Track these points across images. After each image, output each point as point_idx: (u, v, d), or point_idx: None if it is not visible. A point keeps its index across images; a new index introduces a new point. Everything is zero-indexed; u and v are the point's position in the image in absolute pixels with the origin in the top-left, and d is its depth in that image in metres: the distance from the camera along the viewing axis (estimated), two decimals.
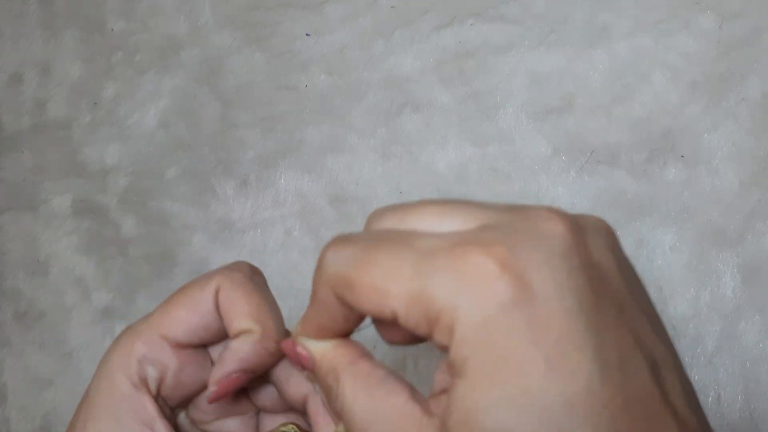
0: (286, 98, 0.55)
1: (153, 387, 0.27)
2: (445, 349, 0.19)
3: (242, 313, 0.26)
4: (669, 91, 0.49)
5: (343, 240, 0.22)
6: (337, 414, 0.22)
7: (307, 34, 0.55)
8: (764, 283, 0.46)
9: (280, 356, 0.27)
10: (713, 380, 0.46)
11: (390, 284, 0.20)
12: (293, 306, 0.52)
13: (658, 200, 0.48)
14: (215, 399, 0.26)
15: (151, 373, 0.26)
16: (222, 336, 0.28)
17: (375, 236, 0.21)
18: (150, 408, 0.26)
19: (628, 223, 0.48)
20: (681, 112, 0.49)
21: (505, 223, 0.20)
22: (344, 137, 0.54)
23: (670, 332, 0.47)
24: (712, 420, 0.45)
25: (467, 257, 0.18)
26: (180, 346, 0.27)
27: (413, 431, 0.20)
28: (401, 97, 0.53)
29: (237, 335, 0.26)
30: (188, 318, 0.26)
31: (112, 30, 0.59)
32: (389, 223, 0.22)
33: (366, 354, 0.24)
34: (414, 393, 0.21)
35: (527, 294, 0.18)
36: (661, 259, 0.47)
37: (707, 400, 0.46)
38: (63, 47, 0.60)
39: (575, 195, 0.49)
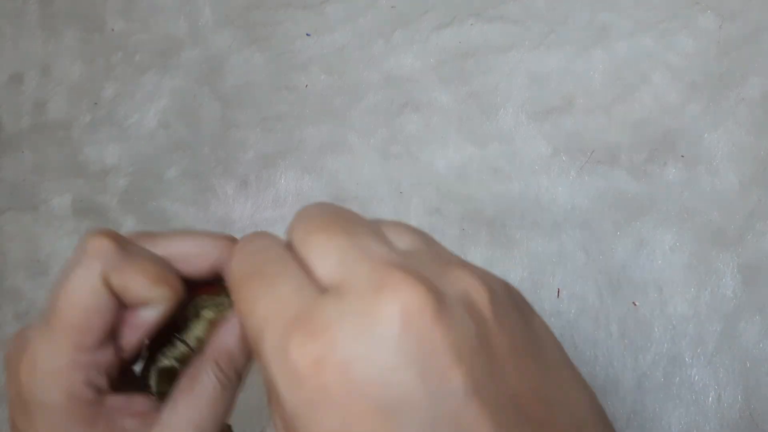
0: (286, 98, 0.55)
1: (105, 384, 0.26)
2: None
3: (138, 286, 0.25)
4: (669, 91, 0.49)
5: (248, 271, 0.22)
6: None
7: (307, 34, 0.55)
8: (764, 283, 0.46)
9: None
10: (713, 380, 0.46)
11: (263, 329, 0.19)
12: None
13: (658, 200, 0.48)
14: None
15: (100, 379, 0.26)
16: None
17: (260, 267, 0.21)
18: (109, 402, 0.26)
19: (628, 223, 0.48)
20: (681, 112, 0.49)
21: (348, 298, 0.18)
22: (344, 137, 0.54)
23: (671, 332, 0.47)
24: (712, 420, 0.45)
25: (293, 337, 0.18)
26: (98, 347, 0.26)
27: None
28: (401, 97, 0.53)
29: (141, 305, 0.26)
30: (88, 325, 0.25)
31: (112, 30, 0.59)
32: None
33: None
34: None
35: (319, 382, 0.17)
36: (661, 259, 0.47)
37: (707, 400, 0.46)
38: (63, 47, 0.60)
39: (575, 195, 0.49)
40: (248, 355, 0.27)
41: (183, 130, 0.57)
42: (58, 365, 0.24)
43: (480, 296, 0.18)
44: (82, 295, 0.25)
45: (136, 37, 0.58)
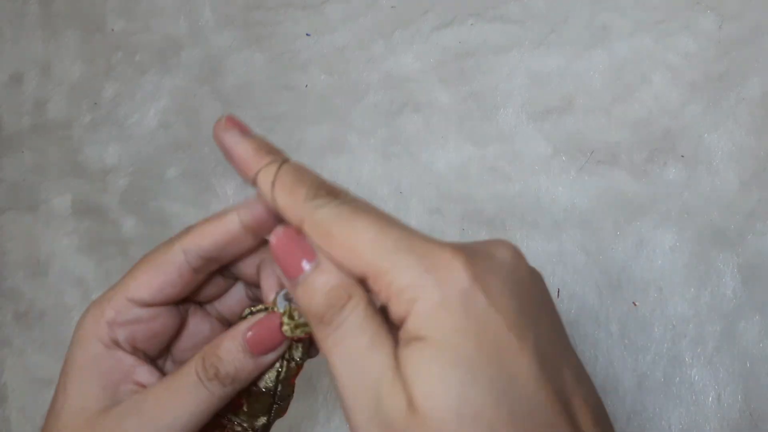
0: (286, 98, 0.55)
1: (126, 345, 0.29)
2: (398, 320, 0.22)
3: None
4: (669, 91, 0.49)
5: (335, 192, 0.26)
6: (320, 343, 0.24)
7: (307, 34, 0.55)
8: (764, 283, 0.46)
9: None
10: (713, 380, 0.46)
11: (368, 251, 0.23)
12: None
13: (658, 200, 0.48)
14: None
15: (122, 333, 0.29)
16: (189, 289, 0.30)
17: (366, 204, 0.25)
18: (126, 361, 0.29)
19: (628, 223, 0.48)
20: (681, 112, 0.49)
21: (468, 244, 0.24)
22: (344, 137, 0.54)
23: (671, 332, 0.47)
24: (712, 420, 0.45)
25: (440, 253, 0.22)
26: (147, 305, 0.29)
27: (387, 388, 0.22)
28: (401, 97, 0.53)
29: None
30: (150, 280, 0.29)
31: (112, 30, 0.59)
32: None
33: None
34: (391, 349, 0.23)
35: (482, 288, 0.22)
36: (661, 259, 0.47)
37: (707, 400, 0.46)
38: (63, 47, 0.60)
39: (575, 195, 0.49)
40: (242, 366, 0.28)
41: (183, 130, 0.57)
42: (104, 314, 0.29)
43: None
44: (160, 258, 0.29)
45: (136, 37, 0.58)
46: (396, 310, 0.22)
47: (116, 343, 0.29)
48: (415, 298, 0.22)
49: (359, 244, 0.23)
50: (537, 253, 0.49)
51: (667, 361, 0.46)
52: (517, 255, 0.24)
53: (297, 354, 0.29)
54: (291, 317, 0.28)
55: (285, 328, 0.28)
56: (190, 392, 0.27)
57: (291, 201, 0.26)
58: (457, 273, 0.22)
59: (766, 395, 0.45)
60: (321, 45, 0.55)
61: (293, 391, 0.31)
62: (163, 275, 0.29)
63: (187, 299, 0.32)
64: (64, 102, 0.59)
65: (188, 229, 0.29)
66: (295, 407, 0.51)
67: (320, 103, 0.54)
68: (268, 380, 0.30)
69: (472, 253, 0.22)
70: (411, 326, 0.22)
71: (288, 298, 0.29)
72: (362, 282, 0.23)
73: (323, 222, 0.24)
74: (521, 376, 0.21)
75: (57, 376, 0.56)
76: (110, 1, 0.59)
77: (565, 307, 0.48)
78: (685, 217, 0.48)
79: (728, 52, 0.48)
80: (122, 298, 0.29)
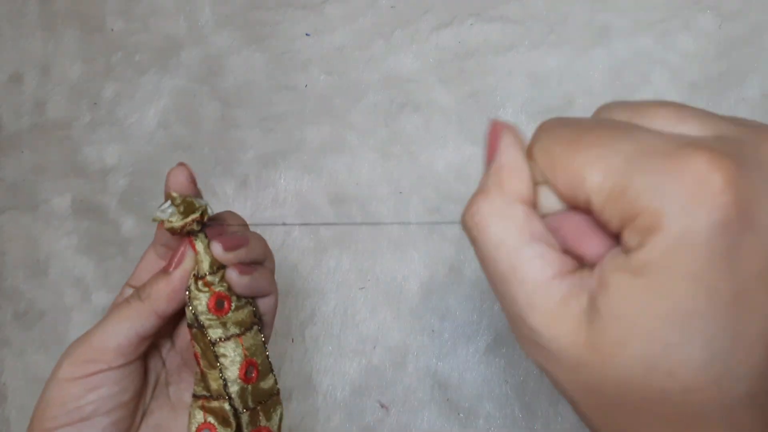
0: (286, 98, 0.55)
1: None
2: (628, 249, 0.18)
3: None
4: (669, 91, 0.49)
5: (560, 120, 0.21)
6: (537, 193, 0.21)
7: (307, 34, 0.55)
8: None
9: None
10: None
11: (592, 172, 0.18)
12: (293, 306, 0.52)
13: None
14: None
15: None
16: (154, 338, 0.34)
17: (594, 122, 0.20)
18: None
19: None
20: None
21: (744, 140, 0.17)
22: (344, 137, 0.54)
23: None
24: None
25: (692, 163, 0.16)
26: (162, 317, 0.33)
27: (545, 310, 0.19)
28: (401, 97, 0.53)
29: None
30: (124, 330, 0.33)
31: (112, 30, 0.59)
32: (618, 115, 0.20)
33: (527, 203, 0.21)
34: (563, 266, 0.20)
35: (744, 222, 0.16)
36: None
37: None
38: (63, 47, 0.60)
39: None
40: (155, 280, 0.33)
41: (183, 130, 0.57)
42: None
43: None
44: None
45: (136, 37, 0.58)
46: (628, 242, 0.18)
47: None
48: (653, 228, 0.17)
49: (579, 167, 0.19)
50: None
51: None
52: None
53: (203, 269, 0.33)
54: (178, 213, 0.33)
55: (166, 225, 0.32)
56: (119, 312, 0.32)
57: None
58: (713, 196, 0.16)
59: None
60: (321, 45, 0.55)
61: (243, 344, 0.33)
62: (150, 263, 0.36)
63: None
64: (64, 102, 0.59)
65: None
66: (295, 407, 0.51)
67: (320, 103, 0.54)
68: (189, 317, 0.33)
69: (742, 163, 0.17)
70: (635, 257, 0.17)
71: (165, 211, 0.33)
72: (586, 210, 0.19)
73: (546, 150, 0.20)
74: (750, 336, 0.17)
75: None
76: (110, 1, 0.59)
77: None
78: None
79: (728, 52, 0.48)
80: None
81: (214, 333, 0.32)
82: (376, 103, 0.53)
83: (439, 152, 0.52)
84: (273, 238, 0.53)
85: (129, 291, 0.36)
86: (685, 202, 0.16)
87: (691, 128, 0.18)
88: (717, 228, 0.16)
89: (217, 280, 0.32)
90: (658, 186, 0.17)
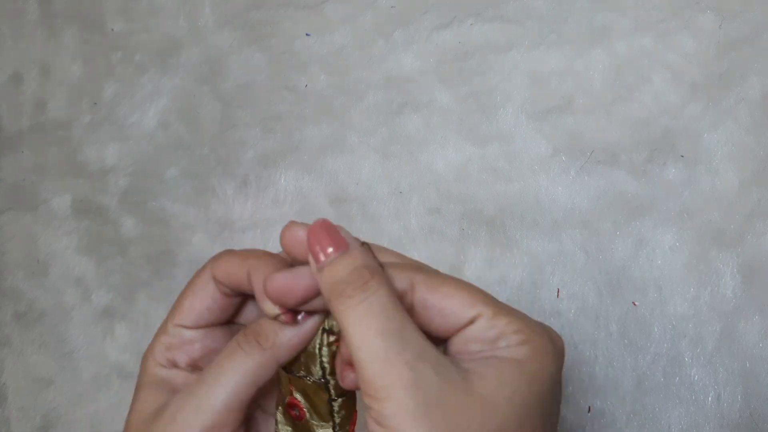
0: (286, 98, 0.55)
1: (184, 365, 0.32)
2: (492, 341, 0.27)
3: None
4: (669, 91, 0.49)
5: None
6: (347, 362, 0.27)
7: (307, 34, 0.55)
8: (764, 283, 0.46)
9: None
10: (713, 380, 0.46)
11: (484, 301, 0.27)
12: None
13: (658, 200, 0.48)
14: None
15: (180, 356, 0.31)
16: (227, 312, 0.32)
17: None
18: (181, 376, 0.31)
19: (628, 223, 0.48)
20: (681, 112, 0.49)
21: (540, 331, 0.29)
22: (344, 137, 0.54)
23: (670, 332, 0.47)
24: (712, 420, 0.45)
25: (540, 331, 0.28)
26: (194, 328, 0.32)
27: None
28: (401, 97, 0.53)
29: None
30: (191, 307, 0.31)
31: (112, 30, 0.59)
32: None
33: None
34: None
35: (557, 385, 0.29)
36: (661, 259, 0.47)
37: (707, 400, 0.46)
38: (63, 47, 0.60)
39: (575, 195, 0.49)
40: (280, 328, 0.29)
41: (183, 130, 0.57)
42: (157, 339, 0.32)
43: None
44: (197, 286, 0.31)
45: (136, 37, 0.58)
46: (492, 336, 0.26)
47: (174, 364, 0.32)
48: (525, 342, 0.26)
49: (475, 294, 0.27)
50: (537, 253, 0.49)
51: (666, 361, 0.46)
52: (558, 355, 0.28)
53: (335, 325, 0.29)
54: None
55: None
56: (233, 362, 0.28)
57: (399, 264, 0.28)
58: (551, 359, 0.27)
59: (766, 395, 0.45)
60: (321, 45, 0.55)
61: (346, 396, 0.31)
62: (199, 302, 0.31)
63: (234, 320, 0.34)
64: (64, 102, 0.59)
65: (219, 256, 0.31)
66: None
67: (320, 103, 0.54)
68: (315, 355, 0.30)
69: (555, 347, 0.28)
70: (509, 352, 0.26)
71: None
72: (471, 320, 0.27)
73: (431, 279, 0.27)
74: None
75: (57, 376, 0.56)
76: (110, 1, 0.59)
77: (564, 307, 0.48)
78: (684, 217, 0.48)
79: (728, 52, 0.48)
80: (172, 326, 0.32)
81: (335, 391, 0.30)
82: (376, 103, 0.53)
83: (439, 152, 0.52)
84: (274, 238, 0.53)
85: (177, 331, 0.32)
86: (540, 350, 0.28)
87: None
88: (550, 380, 0.28)
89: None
90: (529, 327, 0.28)
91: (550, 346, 0.27)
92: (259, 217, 0.54)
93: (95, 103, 0.58)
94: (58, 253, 0.57)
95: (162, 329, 0.32)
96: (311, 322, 0.29)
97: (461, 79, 0.52)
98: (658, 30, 0.49)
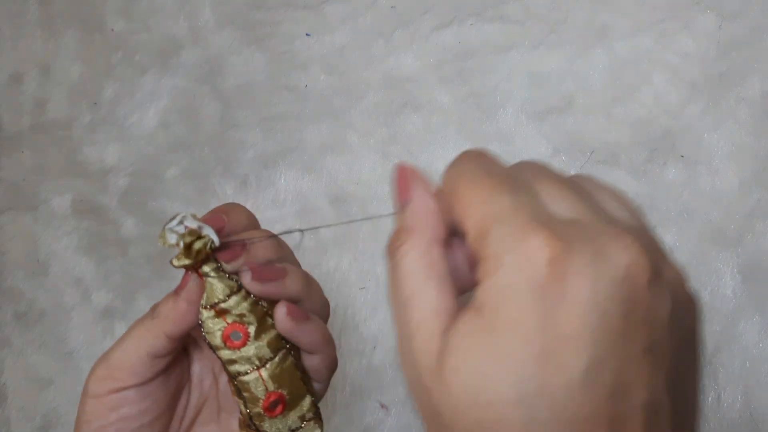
0: (286, 98, 0.55)
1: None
2: (475, 287, 0.22)
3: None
4: (669, 91, 0.49)
5: (473, 157, 0.25)
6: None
7: (307, 34, 0.55)
8: (764, 283, 0.46)
9: None
10: (713, 380, 0.46)
11: (471, 212, 0.23)
12: None
13: (658, 200, 0.48)
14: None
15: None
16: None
17: (497, 170, 0.24)
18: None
19: None
20: (681, 112, 0.49)
21: (591, 229, 0.22)
22: (344, 137, 0.54)
23: None
24: (712, 420, 0.45)
25: (534, 236, 0.21)
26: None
27: (423, 336, 0.23)
28: (401, 97, 0.53)
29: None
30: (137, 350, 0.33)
31: (112, 30, 0.59)
32: (526, 174, 0.24)
33: (441, 245, 0.25)
34: (450, 307, 0.23)
35: (559, 293, 0.20)
36: None
37: (707, 400, 0.46)
38: (63, 47, 0.60)
39: None
40: (165, 301, 0.32)
41: (183, 130, 0.57)
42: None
43: (641, 275, 0.21)
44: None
45: (136, 37, 0.58)
46: (476, 276, 0.22)
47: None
48: (491, 272, 0.21)
49: (472, 204, 0.23)
50: None
51: None
52: (635, 266, 0.21)
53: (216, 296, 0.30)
54: (186, 246, 0.29)
55: (175, 263, 0.30)
56: (133, 330, 0.32)
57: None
58: (538, 263, 0.20)
59: (766, 395, 0.45)
60: (321, 45, 0.55)
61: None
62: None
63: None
64: (64, 102, 0.59)
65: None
66: None
67: (320, 103, 0.54)
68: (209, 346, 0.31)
69: (572, 248, 0.20)
70: (477, 294, 0.21)
71: (176, 232, 0.30)
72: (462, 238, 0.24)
73: (452, 180, 0.25)
74: (554, 387, 0.20)
75: (57, 376, 0.56)
76: (110, 1, 0.59)
77: None
78: (684, 217, 0.48)
79: (728, 52, 0.48)
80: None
81: (233, 368, 0.30)
82: (376, 103, 0.53)
83: (439, 152, 0.52)
84: None
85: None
86: (518, 262, 0.21)
87: (561, 206, 0.23)
88: (535, 291, 0.20)
89: (232, 306, 0.30)
90: (507, 241, 0.21)
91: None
92: (259, 217, 0.54)
93: (95, 103, 0.58)
94: (58, 253, 0.57)
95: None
96: (184, 293, 0.31)
97: (461, 79, 0.52)
98: (658, 30, 0.49)
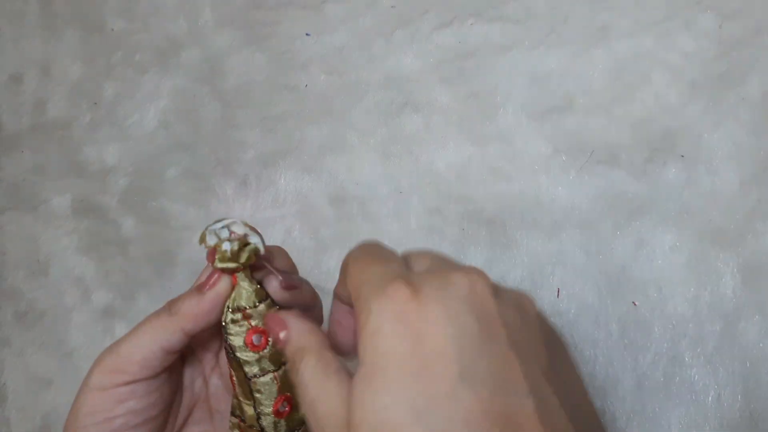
0: (286, 98, 0.55)
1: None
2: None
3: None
4: (669, 91, 0.49)
5: (365, 247, 0.30)
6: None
7: (307, 34, 0.55)
8: (764, 283, 0.46)
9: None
10: (713, 380, 0.46)
11: (350, 280, 0.27)
12: None
13: (658, 200, 0.48)
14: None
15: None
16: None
17: (377, 252, 0.29)
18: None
19: (628, 223, 0.48)
20: (681, 112, 0.49)
21: (440, 270, 0.26)
22: (344, 137, 0.54)
23: (670, 332, 0.47)
24: (712, 420, 0.45)
25: (392, 284, 0.24)
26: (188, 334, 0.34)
27: (331, 421, 0.25)
28: (401, 97, 0.53)
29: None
30: (150, 343, 0.34)
31: (112, 30, 0.59)
32: (407, 256, 0.30)
33: (329, 347, 0.29)
34: (348, 387, 0.26)
35: (417, 318, 0.23)
36: (661, 259, 0.47)
37: (707, 399, 0.46)
38: (63, 47, 0.60)
39: (575, 195, 0.49)
40: (187, 297, 0.33)
41: (183, 130, 0.57)
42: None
43: (486, 289, 0.26)
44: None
45: (136, 37, 0.58)
46: (359, 332, 0.25)
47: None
48: (363, 324, 0.24)
49: (352, 276, 0.27)
50: (537, 252, 0.49)
51: (666, 361, 0.46)
52: (476, 285, 0.25)
53: (241, 302, 0.32)
54: (221, 253, 0.31)
55: (218, 263, 0.31)
56: (146, 325, 0.33)
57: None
58: (398, 299, 0.24)
59: (766, 395, 0.45)
60: (321, 45, 0.55)
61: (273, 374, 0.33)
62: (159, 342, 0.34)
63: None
64: (64, 102, 0.59)
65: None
66: None
67: (320, 103, 0.54)
68: (226, 348, 0.32)
69: (428, 281, 0.25)
70: (359, 352, 0.24)
71: (218, 235, 0.31)
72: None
73: (346, 263, 0.29)
74: (440, 396, 0.22)
75: (57, 376, 0.56)
76: (110, 1, 0.59)
77: (564, 307, 0.48)
78: (684, 217, 0.48)
79: (728, 52, 0.48)
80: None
81: (251, 369, 0.32)
82: (376, 103, 0.53)
83: (439, 152, 0.52)
84: (273, 238, 0.53)
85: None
86: (381, 304, 0.24)
87: (421, 266, 0.28)
88: (399, 323, 0.23)
89: (256, 313, 0.32)
90: (372, 294, 0.25)
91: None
92: (259, 217, 0.54)
93: (95, 103, 0.58)
94: (58, 253, 0.57)
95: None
96: (212, 294, 0.32)
97: (461, 79, 0.52)
98: (658, 30, 0.49)
